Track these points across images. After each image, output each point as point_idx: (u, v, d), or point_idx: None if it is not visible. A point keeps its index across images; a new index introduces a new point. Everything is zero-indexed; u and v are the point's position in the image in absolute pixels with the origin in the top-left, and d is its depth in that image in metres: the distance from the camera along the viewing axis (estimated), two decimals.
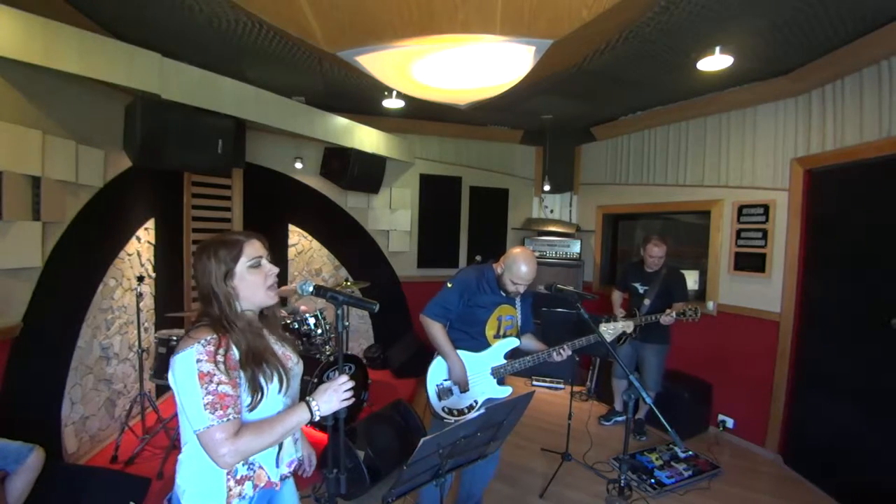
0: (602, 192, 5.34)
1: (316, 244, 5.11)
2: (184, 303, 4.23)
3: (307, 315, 3.74)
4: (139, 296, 3.30)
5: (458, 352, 2.31)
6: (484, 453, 1.75)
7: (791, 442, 3.41)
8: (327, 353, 3.65)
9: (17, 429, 2.22)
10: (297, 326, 3.66)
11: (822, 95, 3.20)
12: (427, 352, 2.40)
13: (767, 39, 2.80)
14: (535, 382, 4.94)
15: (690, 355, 4.07)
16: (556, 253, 5.33)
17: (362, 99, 4.27)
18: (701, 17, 2.52)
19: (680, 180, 4.36)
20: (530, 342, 2.45)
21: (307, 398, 1.29)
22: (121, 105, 3.15)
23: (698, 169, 4.18)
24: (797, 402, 3.39)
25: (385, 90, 3.90)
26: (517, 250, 2.29)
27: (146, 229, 3.68)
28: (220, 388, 1.14)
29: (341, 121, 4.38)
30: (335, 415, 1.34)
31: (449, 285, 2.34)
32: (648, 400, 2.02)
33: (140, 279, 3.27)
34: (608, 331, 2.42)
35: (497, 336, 2.38)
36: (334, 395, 1.30)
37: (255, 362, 1.23)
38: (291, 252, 4.97)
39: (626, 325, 2.53)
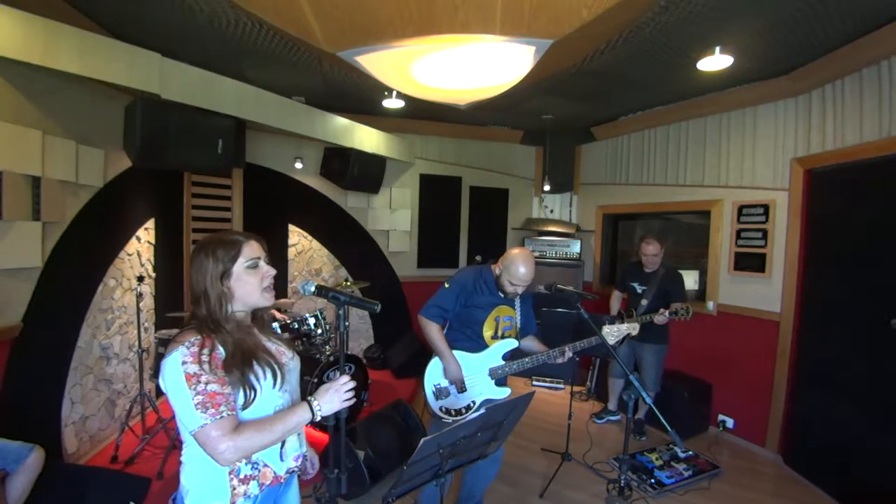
0: (602, 192, 5.34)
1: (316, 244, 5.11)
2: (184, 303, 4.22)
3: (307, 315, 3.74)
4: (139, 296, 3.30)
5: (456, 352, 2.31)
6: (484, 453, 1.75)
7: (791, 442, 3.41)
8: (327, 353, 3.66)
9: (17, 429, 2.22)
10: (297, 327, 3.67)
11: (822, 95, 3.20)
12: (427, 352, 2.40)
13: (767, 39, 2.80)
14: (535, 382, 4.94)
15: (690, 355, 4.07)
16: (556, 253, 5.33)
17: (362, 99, 4.27)
18: (701, 17, 2.52)
19: (680, 180, 4.36)
20: (532, 344, 2.44)
21: (308, 398, 1.29)
22: (121, 105, 3.15)
23: (698, 169, 4.18)
24: (797, 402, 3.39)
25: (385, 90, 3.90)
26: (515, 251, 2.29)
27: (146, 229, 3.68)
28: (209, 387, 1.14)
29: (341, 121, 4.38)
30: (336, 415, 1.34)
31: (446, 286, 2.35)
32: (648, 400, 2.02)
33: (140, 279, 3.27)
34: (612, 332, 2.35)
35: (495, 337, 2.38)
36: (336, 396, 1.30)
37: (245, 362, 1.22)
38: (291, 252, 4.97)
39: (632, 328, 2.40)
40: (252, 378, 1.22)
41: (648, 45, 2.89)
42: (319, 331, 3.75)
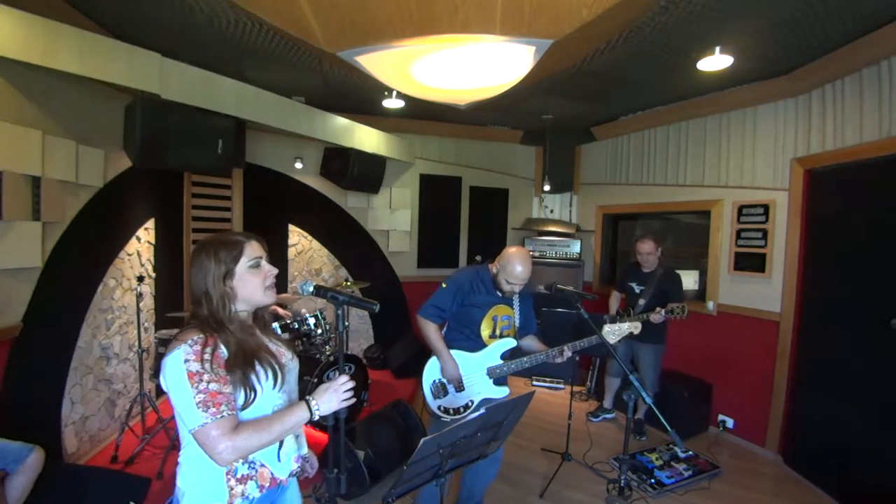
0: (602, 192, 5.34)
1: (316, 244, 5.11)
2: (184, 303, 4.22)
3: (307, 315, 3.74)
4: (139, 296, 3.30)
5: (454, 352, 2.32)
6: (484, 453, 1.75)
7: (791, 442, 3.41)
8: (327, 353, 3.66)
9: (17, 429, 2.22)
10: (297, 327, 3.67)
11: (822, 95, 3.20)
12: (426, 352, 2.41)
13: (767, 39, 2.80)
14: (535, 382, 4.94)
15: (690, 355, 4.07)
16: (556, 253, 5.33)
17: (362, 99, 4.27)
18: (701, 17, 2.52)
19: (680, 180, 4.36)
20: (532, 344, 2.44)
21: (307, 397, 1.29)
22: (121, 105, 3.15)
23: (698, 169, 4.18)
24: (797, 402, 3.39)
25: (385, 90, 3.90)
26: (512, 250, 2.29)
27: (146, 229, 3.68)
28: (211, 385, 1.14)
29: (341, 121, 4.38)
30: (336, 415, 1.34)
31: (443, 285, 2.35)
32: (648, 400, 2.02)
33: (140, 279, 3.27)
34: (614, 331, 2.33)
35: (493, 336, 2.38)
36: (334, 395, 1.30)
37: (247, 362, 1.22)
38: (291, 252, 4.97)
39: (634, 327, 2.36)
40: (253, 378, 1.22)
41: (648, 45, 2.89)
42: (319, 331, 3.75)
